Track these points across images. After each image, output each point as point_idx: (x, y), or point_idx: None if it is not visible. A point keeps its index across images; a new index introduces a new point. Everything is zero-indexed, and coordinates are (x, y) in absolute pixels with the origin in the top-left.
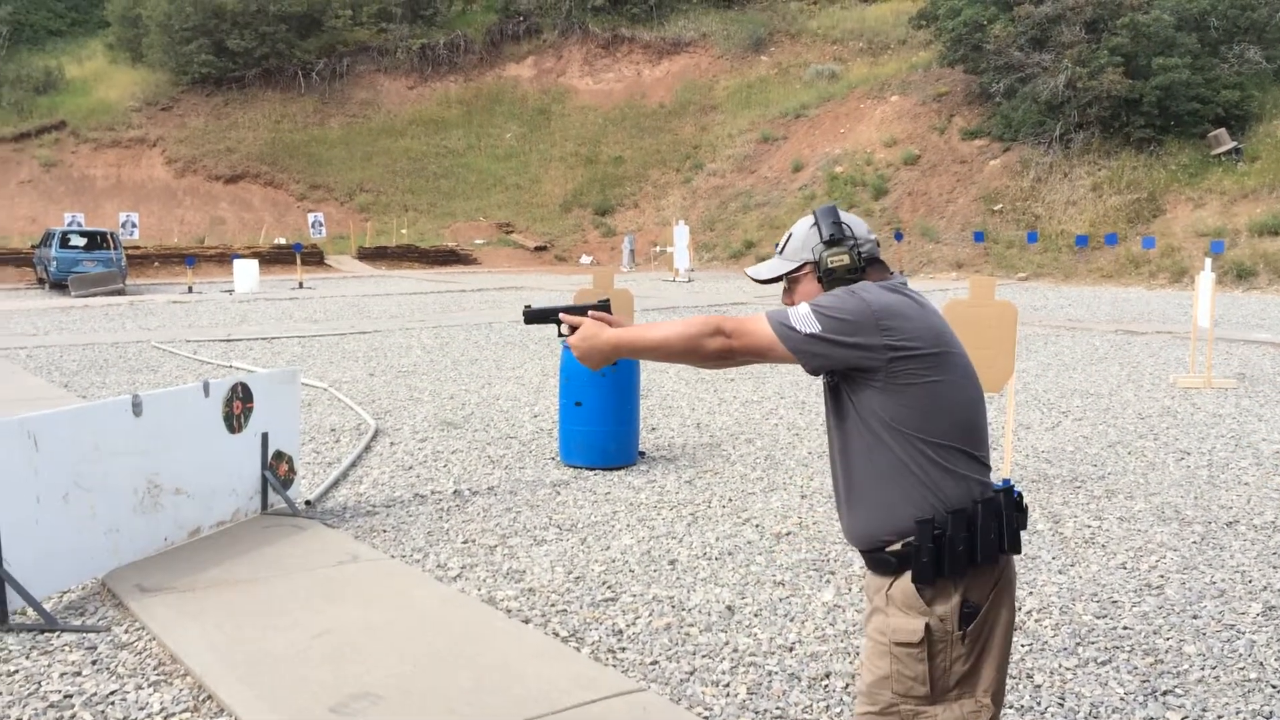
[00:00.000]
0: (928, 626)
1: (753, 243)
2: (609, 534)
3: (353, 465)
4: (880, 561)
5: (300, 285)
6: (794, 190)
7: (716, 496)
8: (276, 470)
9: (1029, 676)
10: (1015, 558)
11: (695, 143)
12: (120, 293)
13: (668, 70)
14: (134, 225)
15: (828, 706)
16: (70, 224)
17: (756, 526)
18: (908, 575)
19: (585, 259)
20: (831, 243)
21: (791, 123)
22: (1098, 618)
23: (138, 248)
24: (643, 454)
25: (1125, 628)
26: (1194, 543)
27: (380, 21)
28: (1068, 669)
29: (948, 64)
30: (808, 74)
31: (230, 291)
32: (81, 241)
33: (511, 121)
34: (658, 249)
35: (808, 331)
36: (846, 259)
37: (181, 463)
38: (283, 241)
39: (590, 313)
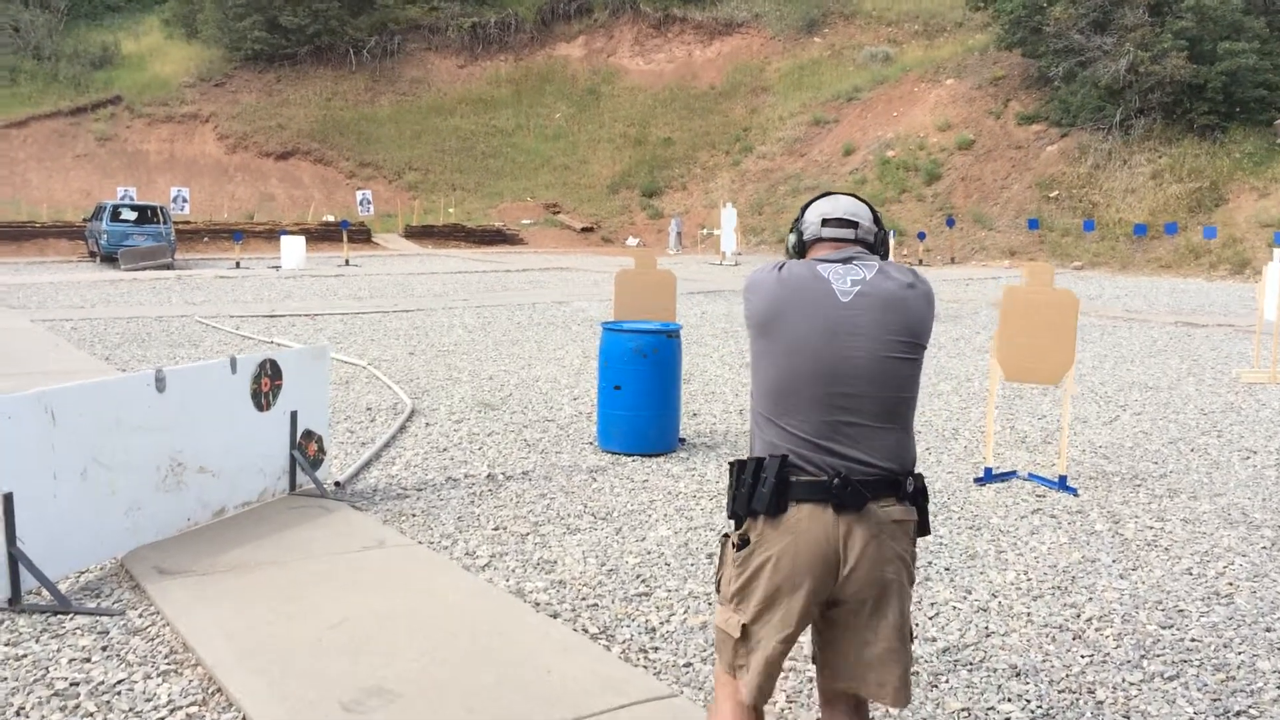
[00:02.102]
0: (724, 536)
1: None
2: (645, 524)
3: (385, 446)
4: None
5: (346, 263)
6: (844, 174)
7: None
8: (305, 450)
9: (1090, 691)
10: (865, 536)
11: (745, 125)
12: (169, 267)
13: (719, 51)
14: (185, 200)
15: (873, 718)
16: (122, 198)
17: None
18: None
19: (632, 241)
20: (793, 226)
21: (844, 106)
22: (1163, 628)
23: (188, 222)
24: (683, 441)
25: (1193, 640)
26: (1264, 548)
27: (432, 0)
28: (1132, 684)
29: (1005, 47)
30: (861, 56)
31: (277, 268)
32: (132, 216)
33: (561, 101)
34: (705, 232)
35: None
36: (793, 238)
37: (206, 440)
38: (331, 219)
39: None
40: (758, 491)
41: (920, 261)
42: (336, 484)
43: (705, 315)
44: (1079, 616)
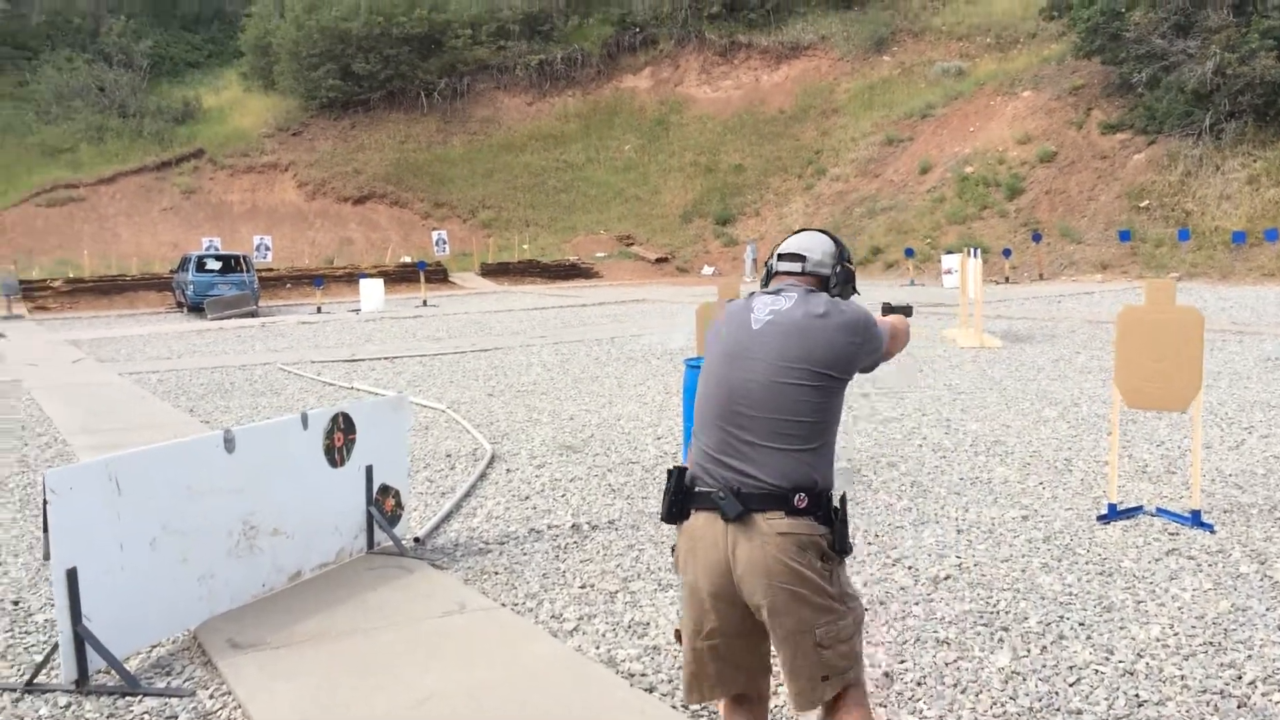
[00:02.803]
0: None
1: (880, 249)
2: None
3: (465, 496)
4: None
5: (424, 303)
6: (922, 193)
7: (860, 531)
8: (382, 506)
9: None
10: (748, 544)
11: (817, 147)
12: (253, 314)
13: (787, 75)
14: (267, 248)
15: None
16: (207, 248)
17: (910, 569)
18: None
19: (707, 269)
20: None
21: (917, 123)
22: None
23: (270, 270)
24: None
25: None
26: None
27: (499, 39)
28: None
29: (1083, 55)
30: (933, 72)
31: (357, 311)
32: (216, 266)
33: (630, 133)
34: None
35: None
36: (764, 270)
37: (279, 501)
38: (408, 260)
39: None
40: (665, 498)
41: (1007, 279)
42: (416, 540)
43: None
44: (1240, 679)
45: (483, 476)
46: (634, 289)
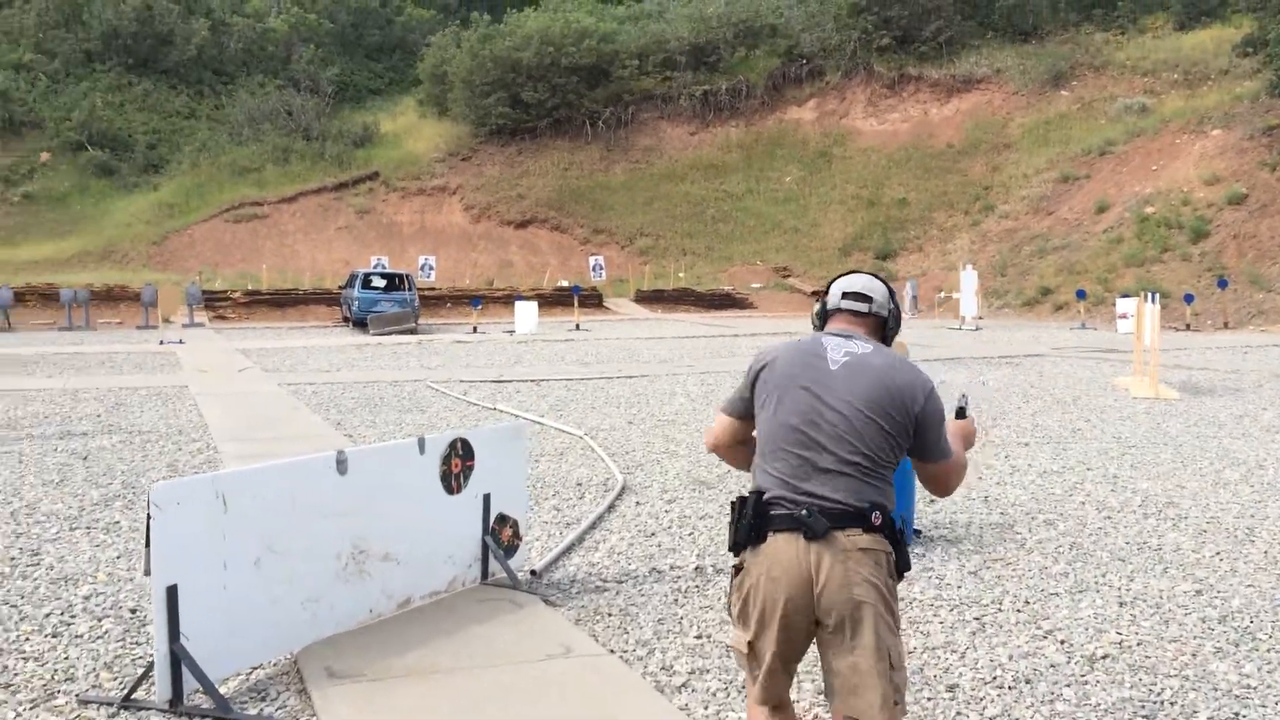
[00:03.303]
0: (734, 568)
1: (1049, 289)
2: None
3: (590, 529)
4: None
5: (577, 327)
6: (1097, 233)
7: (1009, 596)
8: (499, 535)
9: None
10: (832, 559)
11: (986, 183)
12: (412, 332)
13: (957, 108)
14: (431, 268)
15: None
16: (375, 266)
17: (1062, 643)
18: None
19: None
20: (819, 298)
21: (1095, 160)
22: None
23: (433, 289)
24: (918, 533)
25: None
26: None
27: (665, 70)
28: None
29: (1279, 94)
30: (1114, 108)
31: (511, 332)
32: (381, 283)
33: (791, 164)
34: (942, 295)
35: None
36: (817, 307)
37: (392, 525)
38: (565, 284)
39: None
40: (741, 523)
41: (1188, 326)
42: (532, 573)
43: (943, 385)
44: None
45: (610, 508)
46: (787, 321)
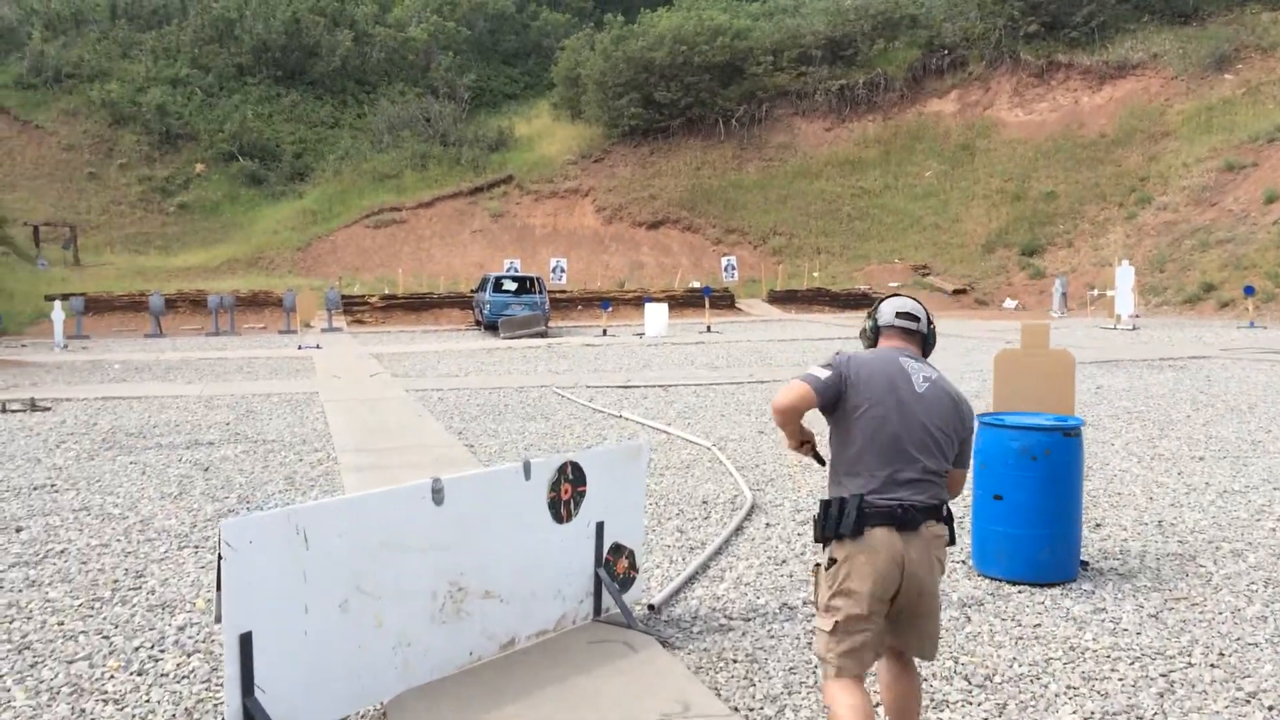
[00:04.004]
0: (816, 565)
1: (1212, 285)
2: (1039, 700)
3: (715, 554)
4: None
5: (708, 329)
6: (1266, 225)
7: (1199, 645)
8: (613, 568)
9: None
10: (919, 546)
11: (1142, 174)
12: (542, 335)
13: (1110, 96)
14: (563, 270)
15: None
16: (508, 269)
17: (1269, 710)
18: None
19: (1009, 303)
20: (868, 315)
21: (1263, 148)
22: None
23: (564, 291)
24: (1085, 565)
25: None
26: None
27: (800, 65)
28: None
29: None
30: None
31: (640, 334)
32: (512, 286)
33: (931, 159)
34: (1094, 292)
35: (817, 374)
36: (869, 324)
37: (494, 559)
38: (696, 285)
39: None
40: (844, 520)
41: None
42: (650, 607)
43: (1101, 391)
44: None
45: (738, 530)
46: None
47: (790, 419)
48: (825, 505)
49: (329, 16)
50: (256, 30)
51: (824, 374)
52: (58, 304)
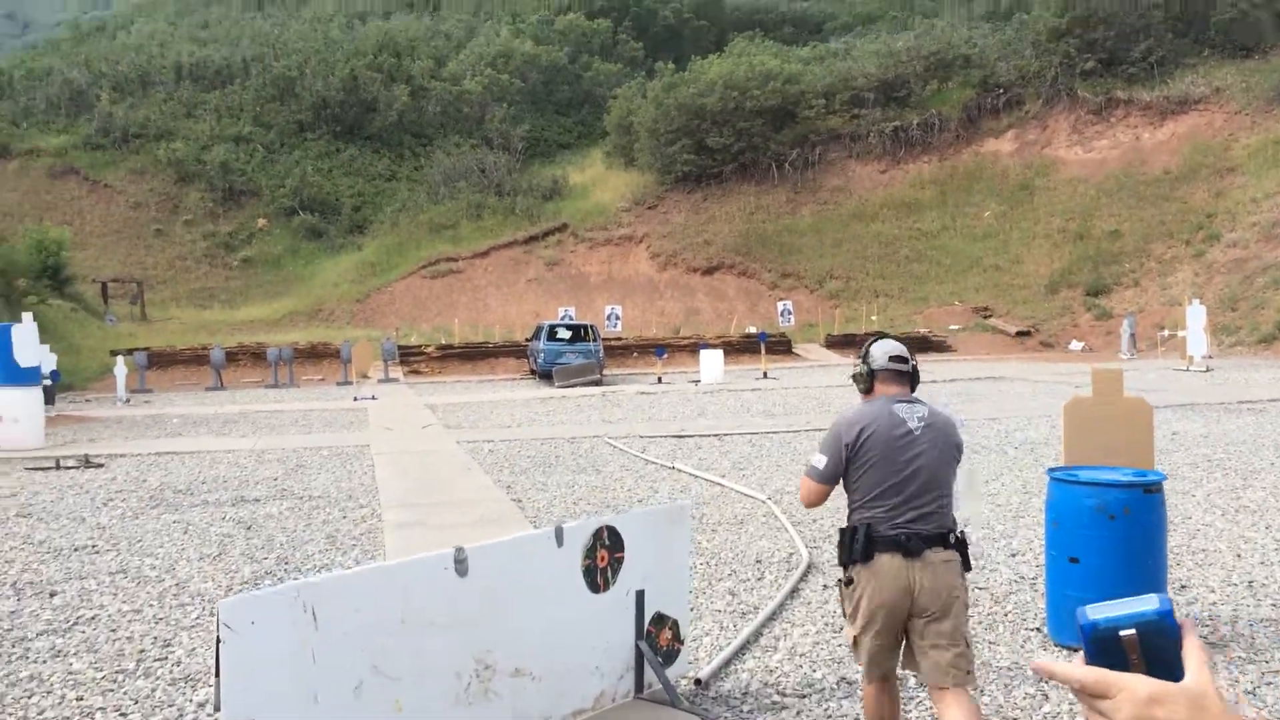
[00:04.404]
0: (838, 581)
1: None
2: None
3: (768, 621)
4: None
5: (764, 375)
6: None
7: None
8: (656, 640)
9: None
10: (925, 571)
11: (1209, 210)
12: (597, 383)
13: (1173, 132)
14: (617, 317)
15: None
16: (562, 317)
17: None
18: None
19: (1075, 345)
20: (861, 359)
21: None
22: None
23: (619, 339)
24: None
25: None
26: None
27: (853, 108)
28: None
29: None
30: None
31: (696, 382)
32: (566, 335)
33: (990, 199)
34: (1164, 333)
35: (818, 465)
36: (864, 368)
37: (524, 633)
38: (752, 330)
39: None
40: (855, 547)
41: None
42: (697, 681)
43: (1177, 437)
44: None
45: (793, 592)
46: (990, 365)
47: (818, 504)
48: (842, 533)
49: (386, 72)
50: (316, 88)
51: (822, 462)
52: (120, 359)
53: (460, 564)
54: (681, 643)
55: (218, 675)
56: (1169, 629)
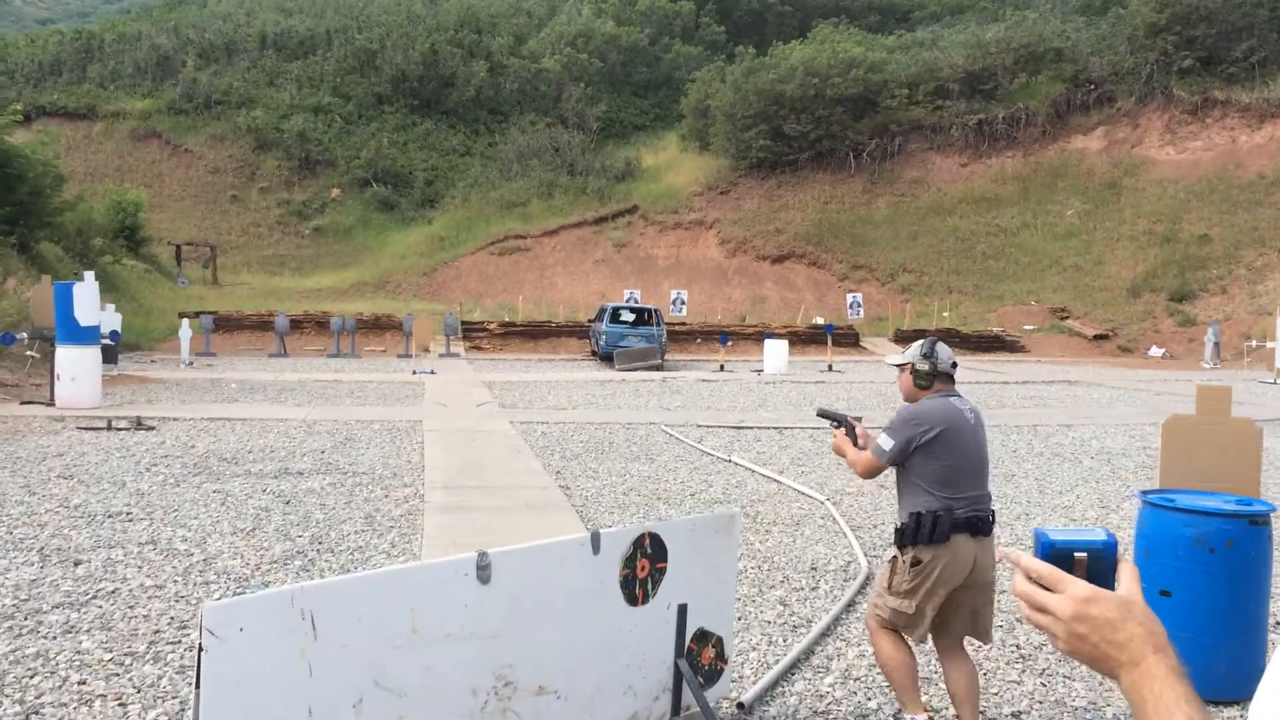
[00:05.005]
0: (892, 559)
1: None
2: None
3: (821, 637)
4: (896, 532)
5: (830, 368)
6: None
7: None
8: (698, 658)
9: None
10: (987, 547)
11: None
12: (658, 368)
13: (1271, 135)
14: (683, 302)
15: None
16: (628, 300)
17: None
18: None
19: (1155, 351)
20: (925, 358)
21: None
22: None
23: (683, 323)
24: None
25: None
26: None
27: (937, 99)
28: None
29: None
30: None
31: (759, 371)
32: (629, 317)
33: (1074, 197)
34: (1251, 343)
35: (886, 448)
36: (926, 366)
37: (550, 648)
38: (820, 321)
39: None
40: (937, 529)
41: None
42: (740, 705)
43: (1269, 455)
44: None
45: (849, 606)
46: (1065, 368)
47: (872, 479)
48: (917, 516)
49: (466, 48)
50: (396, 61)
51: (890, 445)
52: (185, 322)
53: (483, 570)
54: (725, 662)
55: (197, 688)
56: (1110, 556)
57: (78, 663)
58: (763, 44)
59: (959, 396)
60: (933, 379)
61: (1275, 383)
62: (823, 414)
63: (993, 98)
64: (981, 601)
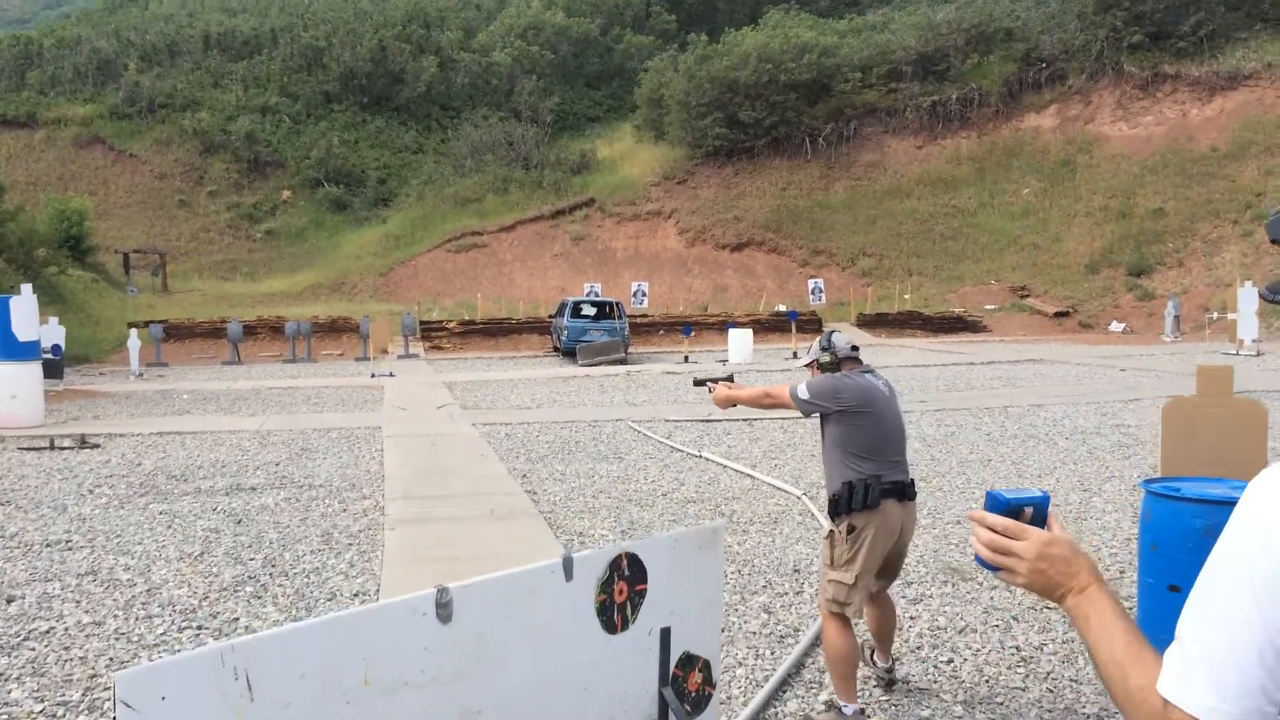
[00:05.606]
0: (830, 533)
1: None
2: None
3: (810, 648)
4: (830, 502)
5: (794, 355)
6: None
7: None
8: (684, 685)
9: None
10: (911, 512)
11: (1257, 189)
12: (622, 362)
13: (1221, 108)
14: (644, 294)
15: None
16: (588, 294)
17: None
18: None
19: (1115, 326)
20: (824, 350)
21: None
22: None
23: (645, 316)
24: None
25: None
26: None
27: (890, 82)
28: None
29: None
30: None
31: (724, 361)
32: (591, 311)
33: (1029, 175)
34: (1213, 315)
35: (803, 396)
36: (827, 356)
37: (521, 688)
38: (782, 308)
39: (724, 383)
40: (869, 495)
41: None
42: None
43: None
44: None
45: None
46: (1028, 346)
47: (765, 408)
48: (849, 485)
49: (414, 44)
50: (344, 58)
51: (807, 395)
52: (134, 331)
53: (443, 608)
54: (713, 686)
55: None
56: (1045, 508)
57: (5, 716)
58: (715, 31)
59: (873, 373)
60: (838, 365)
61: (1238, 354)
62: (699, 382)
63: (945, 79)
64: (899, 558)
